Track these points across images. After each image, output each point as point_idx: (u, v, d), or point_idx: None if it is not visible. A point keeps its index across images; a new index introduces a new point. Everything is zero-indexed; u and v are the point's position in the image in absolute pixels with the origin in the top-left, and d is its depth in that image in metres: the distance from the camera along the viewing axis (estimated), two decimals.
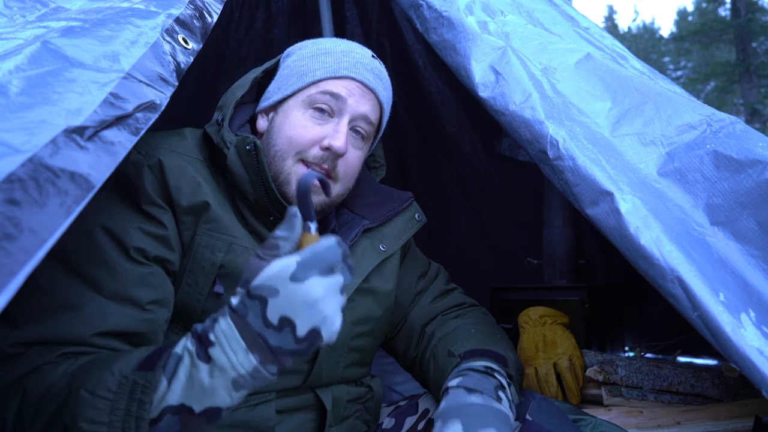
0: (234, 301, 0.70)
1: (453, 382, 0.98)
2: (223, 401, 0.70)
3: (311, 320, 0.68)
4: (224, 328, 0.69)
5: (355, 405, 1.11)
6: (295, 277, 0.67)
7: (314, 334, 0.69)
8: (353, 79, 1.04)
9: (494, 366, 1.02)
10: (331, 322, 0.70)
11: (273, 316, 0.68)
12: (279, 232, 0.71)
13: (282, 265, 0.68)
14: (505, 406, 0.94)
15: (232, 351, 0.68)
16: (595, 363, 1.39)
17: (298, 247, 0.72)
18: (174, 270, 0.93)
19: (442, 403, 0.95)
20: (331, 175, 1.02)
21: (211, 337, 0.70)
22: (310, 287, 0.67)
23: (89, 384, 0.70)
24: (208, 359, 0.69)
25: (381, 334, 1.18)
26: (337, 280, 0.70)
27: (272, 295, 0.68)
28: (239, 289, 0.71)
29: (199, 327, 0.72)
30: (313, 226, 0.74)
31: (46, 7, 1.02)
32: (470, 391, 0.95)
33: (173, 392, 0.69)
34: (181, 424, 0.70)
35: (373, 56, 1.10)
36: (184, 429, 0.70)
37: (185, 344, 0.72)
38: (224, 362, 0.68)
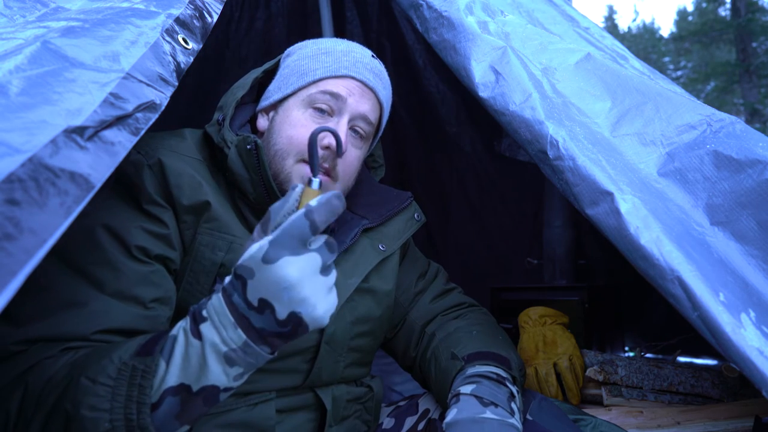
0: (226, 280, 0.72)
1: (466, 389, 0.97)
2: (218, 379, 0.70)
3: (289, 304, 0.67)
4: (215, 303, 0.71)
5: (355, 405, 1.11)
6: (267, 258, 0.66)
7: (295, 318, 0.68)
8: (353, 78, 1.04)
9: (502, 373, 1.02)
10: (312, 306, 0.67)
11: (252, 297, 0.68)
12: (275, 204, 0.72)
13: (258, 246, 0.68)
14: (517, 419, 0.94)
15: (222, 326, 0.69)
16: (595, 363, 1.39)
17: (299, 205, 0.71)
18: (175, 269, 0.93)
19: (454, 411, 0.94)
20: (330, 173, 1.02)
21: (204, 313, 0.71)
22: (282, 268, 0.66)
23: (90, 372, 0.70)
24: (199, 336, 0.70)
25: (381, 334, 1.18)
26: (311, 258, 0.67)
27: (250, 277, 0.68)
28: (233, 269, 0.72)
29: (195, 306, 0.74)
30: (315, 181, 0.72)
31: (46, 7, 1.02)
32: (485, 403, 0.94)
33: (171, 373, 0.70)
34: (181, 405, 0.70)
35: (372, 56, 1.11)
36: (183, 411, 0.70)
37: (181, 324, 0.73)
38: (214, 337, 0.69)
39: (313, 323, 0.69)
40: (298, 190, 0.72)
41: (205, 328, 0.70)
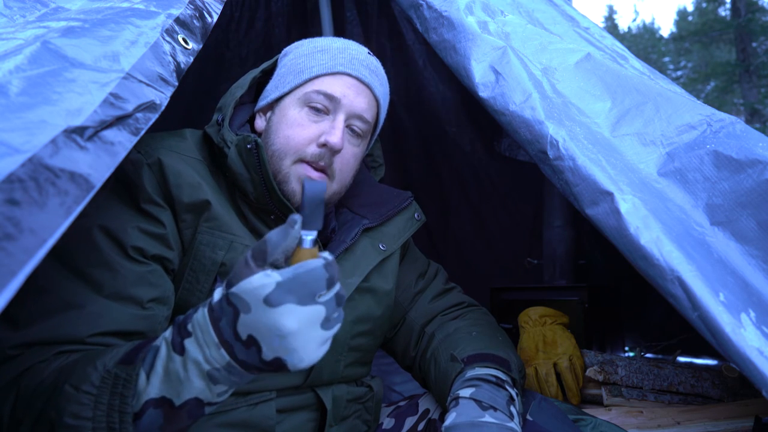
0: (215, 296, 0.69)
1: (465, 392, 0.97)
2: (202, 393, 0.69)
3: (277, 350, 0.65)
4: (200, 320, 0.69)
5: (355, 405, 1.11)
6: (269, 301, 0.62)
7: (279, 362, 0.66)
8: (349, 74, 1.05)
9: (501, 375, 1.02)
10: (299, 359, 0.65)
11: (242, 331, 0.66)
12: (273, 235, 0.66)
13: (261, 282, 0.63)
14: (516, 423, 0.93)
15: (206, 344, 0.68)
16: (595, 363, 1.39)
17: (289, 258, 0.67)
18: (173, 268, 0.93)
19: (453, 415, 0.94)
20: (327, 172, 1.02)
21: (189, 327, 0.70)
22: (282, 317, 0.63)
23: (74, 379, 0.70)
24: (182, 351, 0.69)
25: (381, 334, 1.18)
26: (316, 311, 0.64)
27: (244, 311, 0.65)
28: (221, 288, 0.69)
29: (180, 317, 0.72)
30: (308, 237, 0.66)
31: (46, 7, 1.02)
32: (484, 407, 0.94)
33: (152, 385, 0.69)
34: (164, 418, 0.69)
35: (369, 53, 1.11)
36: (166, 424, 0.70)
37: (164, 335, 0.72)
38: (197, 355, 0.68)
39: (295, 368, 0.67)
40: (297, 227, 0.65)
41: (189, 343, 0.68)
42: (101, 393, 0.68)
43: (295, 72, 1.06)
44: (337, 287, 0.67)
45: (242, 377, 0.69)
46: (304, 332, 0.64)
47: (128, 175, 0.92)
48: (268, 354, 0.65)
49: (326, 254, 0.66)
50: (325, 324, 0.66)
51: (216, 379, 0.68)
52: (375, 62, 1.11)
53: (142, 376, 0.70)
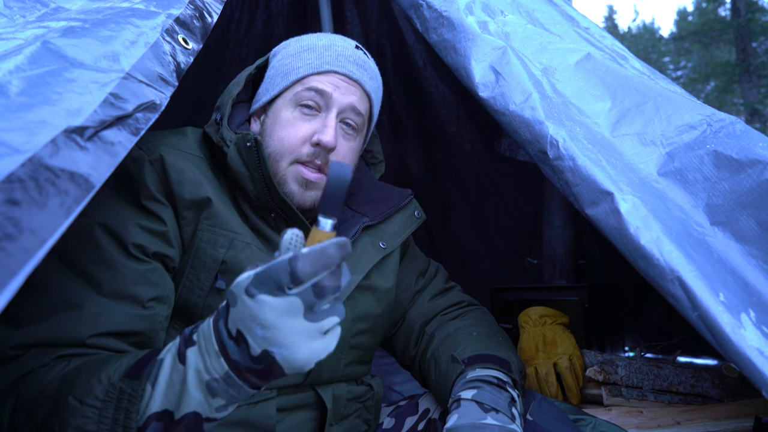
0: (223, 304, 0.69)
1: (466, 394, 0.97)
2: (200, 407, 0.68)
3: (262, 341, 0.63)
4: (205, 329, 0.68)
5: (356, 404, 1.11)
6: (248, 291, 0.62)
7: (268, 357, 0.63)
8: (336, 72, 1.04)
9: (503, 376, 1.01)
10: (286, 349, 0.62)
11: (232, 326, 0.65)
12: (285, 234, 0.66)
13: (246, 275, 0.64)
14: (518, 425, 0.93)
15: (207, 353, 0.67)
16: (595, 363, 1.39)
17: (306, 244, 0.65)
18: (174, 266, 0.93)
19: (455, 416, 0.94)
20: (323, 170, 1.02)
21: (194, 337, 0.69)
22: (259, 306, 0.61)
23: (78, 391, 0.70)
24: (184, 361, 0.68)
25: (381, 332, 1.18)
26: (291, 302, 0.61)
27: (233, 304, 0.64)
28: None
29: (188, 328, 0.72)
30: (327, 222, 0.65)
31: (46, 7, 1.02)
32: (486, 409, 0.93)
33: (155, 399, 0.69)
34: (164, 431, 0.69)
35: (357, 47, 1.10)
36: None
37: (170, 347, 0.72)
38: (199, 364, 0.67)
39: (290, 367, 0.65)
40: (287, 236, 0.65)
41: (191, 353, 0.68)
42: (106, 407, 0.68)
43: (283, 73, 1.06)
44: (315, 279, 0.62)
45: (240, 391, 0.68)
46: (283, 322, 0.62)
47: (130, 172, 0.92)
48: (255, 348, 0.63)
49: (298, 250, 0.62)
50: (310, 315, 0.63)
51: (215, 390, 0.67)
52: (363, 56, 1.10)
53: (148, 389, 0.69)
